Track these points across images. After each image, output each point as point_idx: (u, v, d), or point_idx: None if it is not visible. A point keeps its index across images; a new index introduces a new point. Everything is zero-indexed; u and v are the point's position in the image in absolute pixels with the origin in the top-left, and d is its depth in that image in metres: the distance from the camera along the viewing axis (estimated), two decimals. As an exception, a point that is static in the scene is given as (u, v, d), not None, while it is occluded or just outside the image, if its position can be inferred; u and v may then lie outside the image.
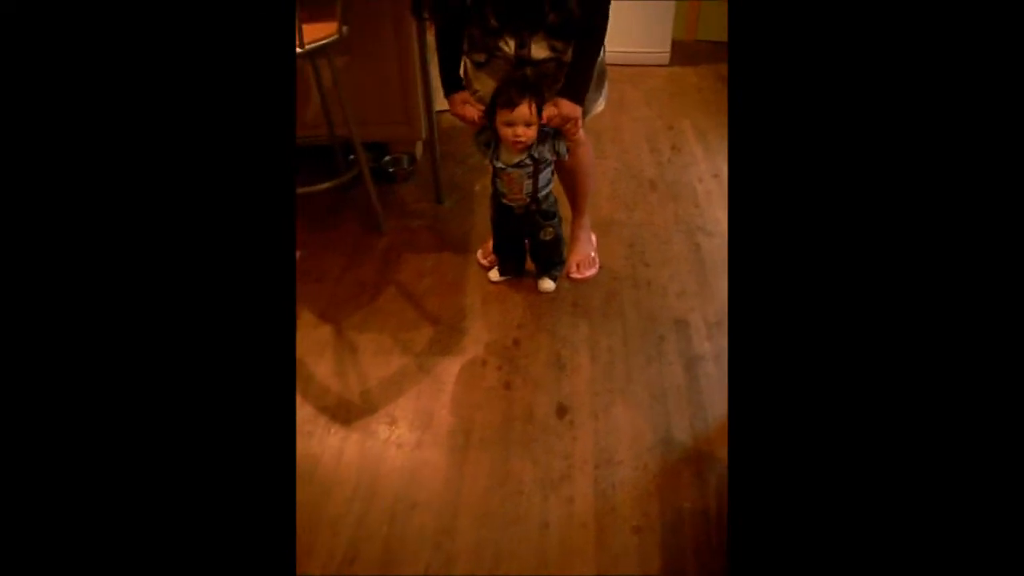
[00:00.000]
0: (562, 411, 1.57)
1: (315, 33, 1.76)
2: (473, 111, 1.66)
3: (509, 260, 1.96)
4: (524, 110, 1.54)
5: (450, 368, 1.71)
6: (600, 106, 1.75)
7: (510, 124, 1.57)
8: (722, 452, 1.47)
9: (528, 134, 1.58)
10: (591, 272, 2.00)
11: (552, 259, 1.93)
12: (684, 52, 3.73)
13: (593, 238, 2.09)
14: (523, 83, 1.57)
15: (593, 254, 2.04)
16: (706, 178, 2.53)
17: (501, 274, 1.97)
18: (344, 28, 1.82)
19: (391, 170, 2.54)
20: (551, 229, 1.83)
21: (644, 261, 2.07)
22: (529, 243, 1.92)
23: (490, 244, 2.01)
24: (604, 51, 1.63)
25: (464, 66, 1.70)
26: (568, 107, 1.56)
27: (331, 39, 1.79)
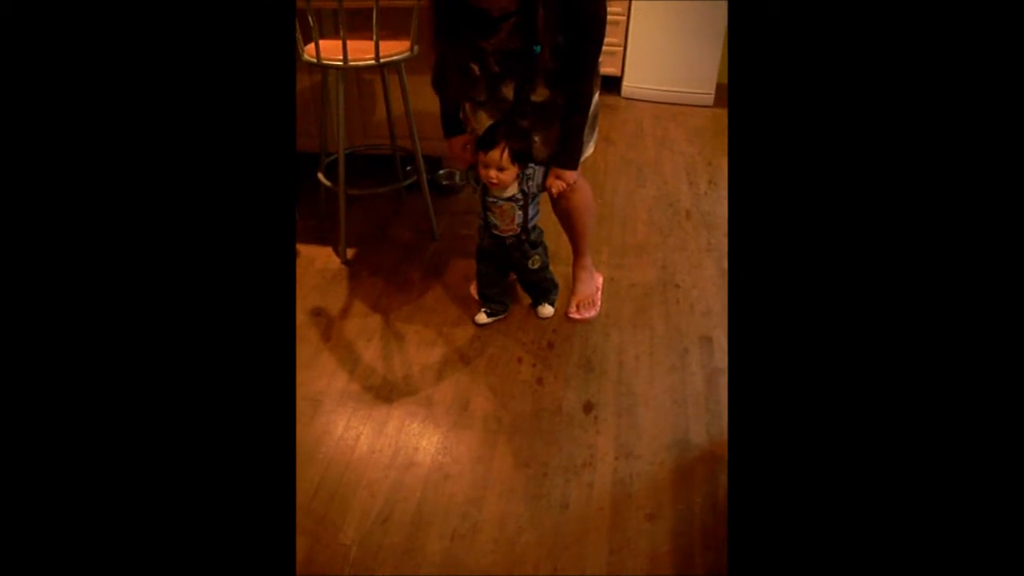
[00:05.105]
0: (588, 407, 1.69)
1: (390, 49, 1.95)
2: (471, 157, 1.75)
3: (495, 301, 1.98)
4: (495, 155, 1.63)
5: (487, 362, 1.84)
6: (590, 149, 1.78)
7: (485, 166, 1.67)
8: (735, 456, 1.57)
9: (500, 177, 1.67)
10: (590, 314, 2.00)
11: (544, 286, 1.98)
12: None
13: (598, 279, 2.11)
14: (505, 131, 1.65)
15: (596, 294, 2.05)
16: (740, 212, 2.64)
17: (489, 316, 1.97)
18: (415, 47, 2.00)
19: (444, 183, 2.72)
20: (537, 257, 1.89)
21: (675, 282, 2.19)
22: (518, 276, 1.98)
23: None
24: (597, 95, 1.68)
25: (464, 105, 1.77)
26: (569, 176, 1.71)
27: (403, 56, 1.97)
